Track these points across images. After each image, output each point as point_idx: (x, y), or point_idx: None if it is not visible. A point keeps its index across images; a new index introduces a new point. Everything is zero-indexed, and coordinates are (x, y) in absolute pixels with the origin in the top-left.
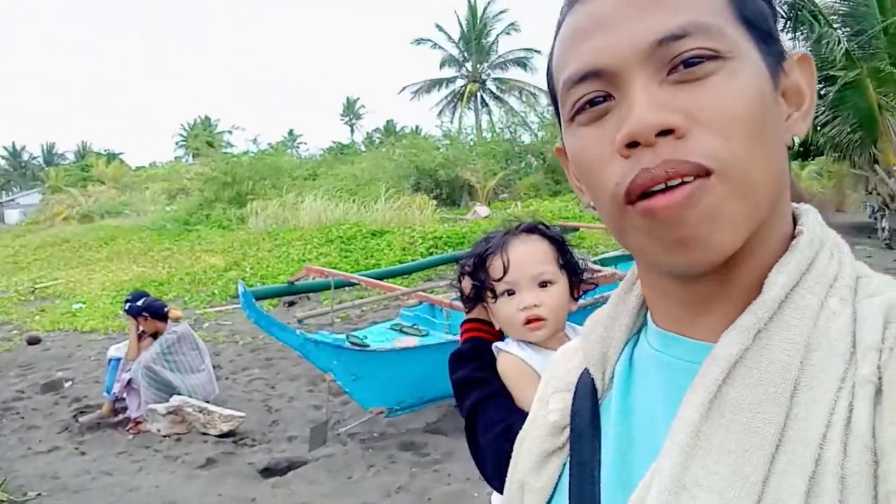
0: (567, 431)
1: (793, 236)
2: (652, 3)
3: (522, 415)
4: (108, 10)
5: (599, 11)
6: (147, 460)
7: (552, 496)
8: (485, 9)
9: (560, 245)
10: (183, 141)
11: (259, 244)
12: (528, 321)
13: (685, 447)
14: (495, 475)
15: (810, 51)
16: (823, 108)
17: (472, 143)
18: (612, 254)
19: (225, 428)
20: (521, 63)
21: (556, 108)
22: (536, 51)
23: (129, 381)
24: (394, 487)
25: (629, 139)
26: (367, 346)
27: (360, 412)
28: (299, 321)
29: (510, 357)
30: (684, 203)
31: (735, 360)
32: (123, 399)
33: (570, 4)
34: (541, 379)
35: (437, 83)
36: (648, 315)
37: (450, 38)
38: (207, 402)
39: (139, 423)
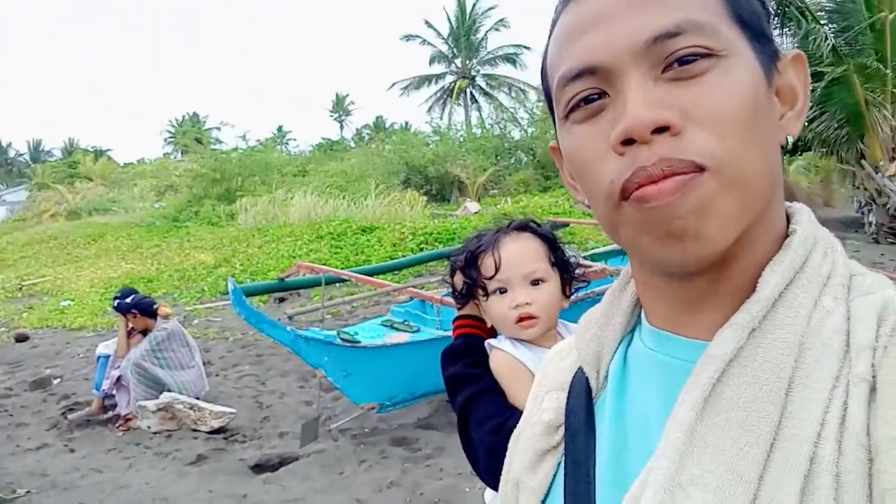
0: (562, 430)
1: (786, 235)
2: (647, 1)
3: (515, 411)
4: (93, 8)
5: (594, 9)
6: (137, 457)
7: (547, 495)
8: (474, 5)
9: (551, 243)
10: (171, 137)
11: (249, 241)
12: (521, 319)
13: (680, 446)
14: (488, 471)
15: (798, 47)
16: (811, 104)
17: (461, 140)
18: (602, 249)
19: (215, 424)
20: (511, 59)
21: (551, 107)
22: (526, 47)
23: (119, 378)
24: (385, 483)
25: (625, 136)
26: (358, 342)
27: (351, 408)
28: (290, 318)
29: (503, 354)
30: (675, 191)
31: (729, 359)
32: (113, 396)
33: (564, 3)
34: (533, 376)
35: (427, 79)
36: (642, 314)
37: (439, 34)
38: (198, 398)
39: (129, 419)
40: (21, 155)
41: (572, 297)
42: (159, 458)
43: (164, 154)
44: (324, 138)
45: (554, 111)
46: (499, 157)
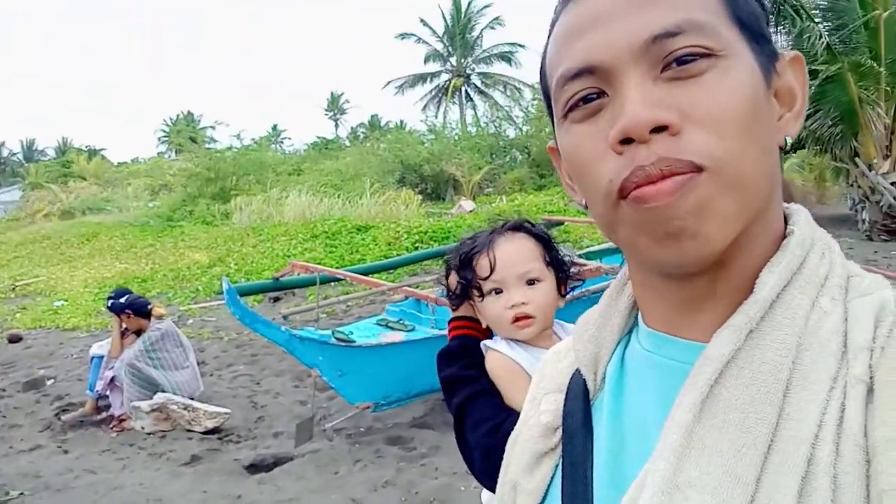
0: (559, 432)
1: (784, 236)
2: (646, 1)
3: (511, 413)
4: (84, 7)
5: (593, 9)
6: (131, 458)
7: (544, 497)
8: (469, 3)
9: (546, 242)
10: (165, 136)
11: (243, 240)
12: (516, 319)
13: (678, 448)
14: (484, 472)
15: (792, 45)
16: None
17: (456, 138)
18: (597, 247)
19: (210, 425)
20: (506, 57)
21: (550, 107)
22: (521, 45)
23: (113, 379)
24: (380, 482)
25: (623, 135)
26: (353, 341)
27: (346, 407)
28: (284, 317)
29: (499, 355)
30: (674, 191)
31: (727, 361)
32: (107, 397)
33: (564, 3)
34: (530, 377)
35: (422, 78)
36: (639, 315)
37: (434, 32)
38: (192, 398)
39: (123, 420)
40: (14, 154)
41: (568, 296)
42: (153, 459)
43: (159, 153)
44: (319, 137)
45: (552, 111)
46: (494, 156)
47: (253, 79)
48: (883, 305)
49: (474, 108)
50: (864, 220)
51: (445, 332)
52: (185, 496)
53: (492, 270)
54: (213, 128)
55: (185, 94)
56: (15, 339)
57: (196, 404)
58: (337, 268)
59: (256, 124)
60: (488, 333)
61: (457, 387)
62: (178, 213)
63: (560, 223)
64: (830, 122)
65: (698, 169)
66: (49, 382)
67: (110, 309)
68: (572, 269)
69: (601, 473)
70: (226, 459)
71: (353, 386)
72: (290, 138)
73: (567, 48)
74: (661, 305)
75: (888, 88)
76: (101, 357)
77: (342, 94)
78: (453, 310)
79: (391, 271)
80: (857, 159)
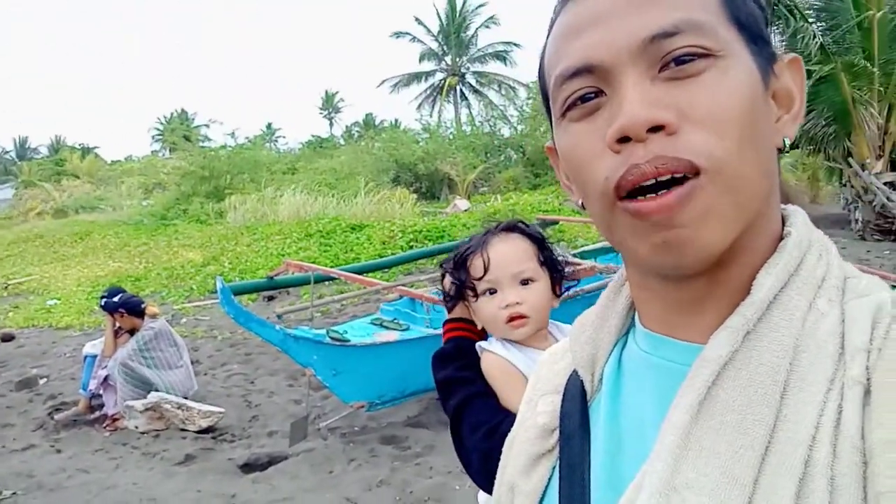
0: (556, 434)
1: (781, 237)
2: (645, 0)
3: (508, 414)
4: (75, 6)
5: (592, 9)
6: (124, 457)
7: (542, 499)
8: (464, 2)
9: (540, 243)
10: (159, 135)
11: (237, 239)
12: (511, 319)
13: (675, 449)
14: (482, 474)
15: (786, 45)
16: None
17: (451, 137)
18: (591, 246)
19: (204, 424)
20: (501, 56)
21: (548, 106)
22: (516, 44)
23: (106, 378)
24: (375, 481)
25: (620, 134)
26: (348, 340)
27: (340, 406)
28: (279, 316)
29: (494, 357)
30: (676, 207)
31: (724, 362)
32: (100, 396)
33: (563, 2)
34: (525, 378)
35: (417, 77)
36: (636, 317)
37: (429, 31)
38: (186, 398)
39: (116, 419)
40: (7, 152)
41: (562, 296)
42: (147, 459)
43: (153, 151)
44: (313, 136)
45: (551, 110)
46: (488, 155)
47: (247, 77)
48: (880, 307)
49: (469, 107)
50: (856, 220)
51: (440, 331)
52: (178, 496)
53: (486, 270)
54: (207, 126)
55: (179, 93)
56: (7, 338)
57: (190, 403)
58: (331, 267)
59: (251, 123)
60: (483, 335)
61: (452, 389)
62: (171, 212)
63: (555, 222)
64: (824, 122)
65: (695, 170)
66: (42, 381)
67: (103, 308)
68: (567, 269)
69: (598, 475)
70: (220, 459)
71: (347, 385)
72: (284, 137)
73: (566, 47)
74: (658, 306)
75: (881, 89)
76: (95, 356)
77: (337, 92)
78: (448, 311)
79: (386, 270)
80: (850, 159)
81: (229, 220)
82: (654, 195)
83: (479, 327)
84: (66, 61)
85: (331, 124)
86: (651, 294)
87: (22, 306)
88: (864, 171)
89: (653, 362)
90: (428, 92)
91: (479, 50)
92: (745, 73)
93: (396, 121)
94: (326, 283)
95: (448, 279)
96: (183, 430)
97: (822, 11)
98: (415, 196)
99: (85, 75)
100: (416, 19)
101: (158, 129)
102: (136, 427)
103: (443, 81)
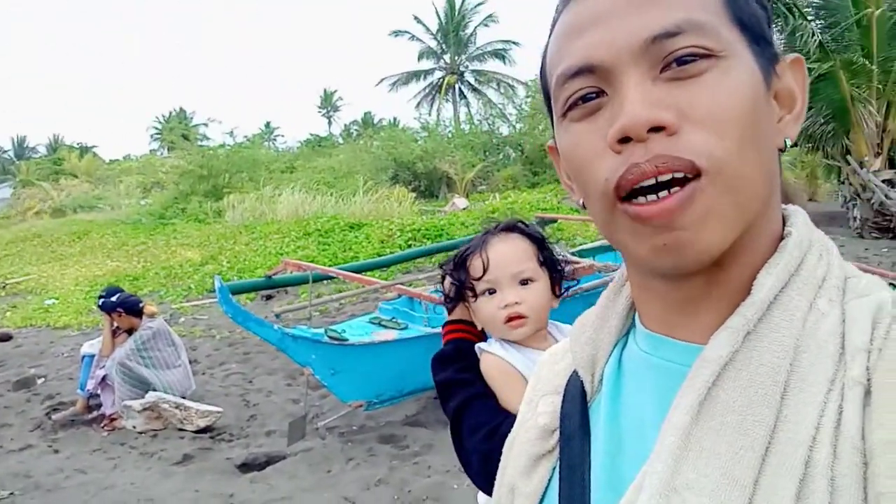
0: (556, 435)
1: (782, 237)
2: (647, 1)
3: (507, 415)
4: (72, 5)
5: (594, 9)
6: (122, 457)
7: (542, 500)
8: (463, 1)
9: (540, 242)
10: (158, 134)
11: (236, 238)
12: (510, 319)
13: (675, 450)
14: (482, 476)
15: (784, 42)
16: None
17: (450, 135)
18: (590, 245)
19: (202, 423)
20: (500, 55)
21: (549, 106)
22: (515, 42)
23: (104, 378)
24: (373, 480)
25: (621, 134)
26: (346, 339)
27: (338, 406)
28: (277, 316)
29: (493, 358)
30: (677, 210)
31: (725, 362)
32: (98, 396)
33: (565, 2)
34: (524, 379)
35: (416, 75)
36: (637, 317)
37: (428, 29)
38: (184, 397)
39: (114, 419)
40: (5, 152)
41: (562, 296)
42: (145, 458)
43: (151, 151)
44: (312, 134)
45: (552, 109)
46: (487, 153)
47: (246, 76)
48: (880, 307)
49: (468, 105)
50: (855, 218)
51: (439, 330)
52: (176, 495)
53: (485, 270)
54: (205, 125)
55: (178, 92)
56: (5, 338)
57: (188, 403)
58: (330, 266)
59: (249, 121)
60: (483, 336)
61: (452, 390)
62: (170, 211)
63: (553, 221)
64: (822, 120)
65: (695, 170)
66: (40, 381)
67: (101, 307)
68: (566, 269)
69: (599, 475)
70: (218, 458)
71: (345, 384)
72: (283, 136)
73: (567, 47)
74: (658, 306)
75: (880, 86)
76: (93, 356)
77: (335, 91)
78: (448, 312)
79: (384, 269)
80: (848, 157)
81: (228, 219)
82: (654, 197)
83: (479, 329)
84: (65, 61)
85: (329, 123)
86: (651, 294)
87: (20, 306)
88: (862, 168)
89: (653, 363)
90: (427, 90)
91: (477, 48)
92: (747, 73)
93: (395, 119)
94: (325, 282)
95: (448, 280)
96: (181, 429)
97: (820, 9)
98: (413, 195)
99: (84, 75)
100: (415, 18)
101: (157, 129)
102: (134, 427)
103: (441, 80)
